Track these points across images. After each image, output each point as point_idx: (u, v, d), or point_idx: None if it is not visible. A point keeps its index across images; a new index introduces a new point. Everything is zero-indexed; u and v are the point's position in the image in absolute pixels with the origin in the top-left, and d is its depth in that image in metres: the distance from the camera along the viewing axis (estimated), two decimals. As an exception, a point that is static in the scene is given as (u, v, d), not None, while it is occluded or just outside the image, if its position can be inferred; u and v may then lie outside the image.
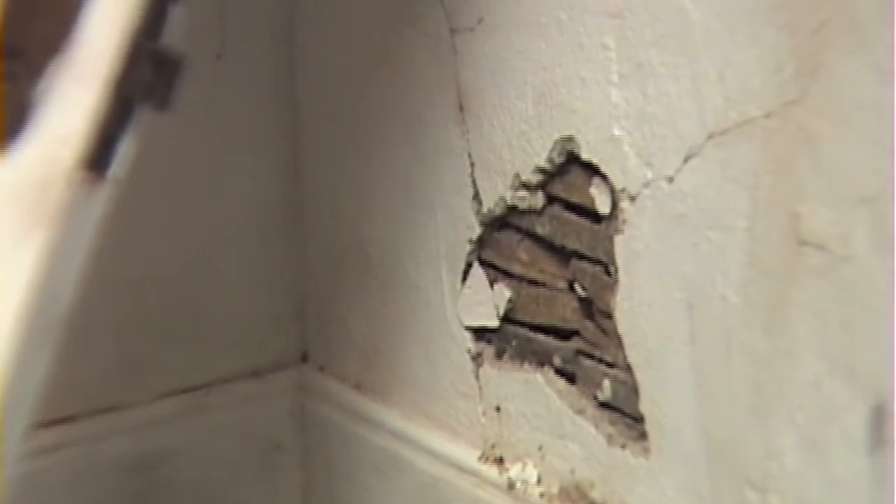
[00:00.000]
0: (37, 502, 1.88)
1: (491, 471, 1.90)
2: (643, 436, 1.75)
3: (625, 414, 1.77)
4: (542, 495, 1.85)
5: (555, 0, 1.74)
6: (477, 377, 1.91)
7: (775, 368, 1.63)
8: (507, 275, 1.85)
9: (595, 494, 1.81)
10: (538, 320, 1.84)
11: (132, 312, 1.98)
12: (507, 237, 1.84)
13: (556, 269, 1.80)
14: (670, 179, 1.68)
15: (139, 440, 2.02)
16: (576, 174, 1.76)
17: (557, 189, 1.78)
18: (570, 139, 1.75)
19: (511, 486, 1.88)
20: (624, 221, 1.72)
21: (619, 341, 1.75)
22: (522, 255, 1.84)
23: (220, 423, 2.07)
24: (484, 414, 1.91)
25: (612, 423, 1.78)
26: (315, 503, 2.11)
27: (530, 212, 1.81)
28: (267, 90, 2.02)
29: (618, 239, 1.73)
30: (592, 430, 1.80)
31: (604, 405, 1.79)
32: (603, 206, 1.74)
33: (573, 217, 1.77)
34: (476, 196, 1.85)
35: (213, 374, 2.07)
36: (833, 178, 1.56)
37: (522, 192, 1.81)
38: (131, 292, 1.96)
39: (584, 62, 1.73)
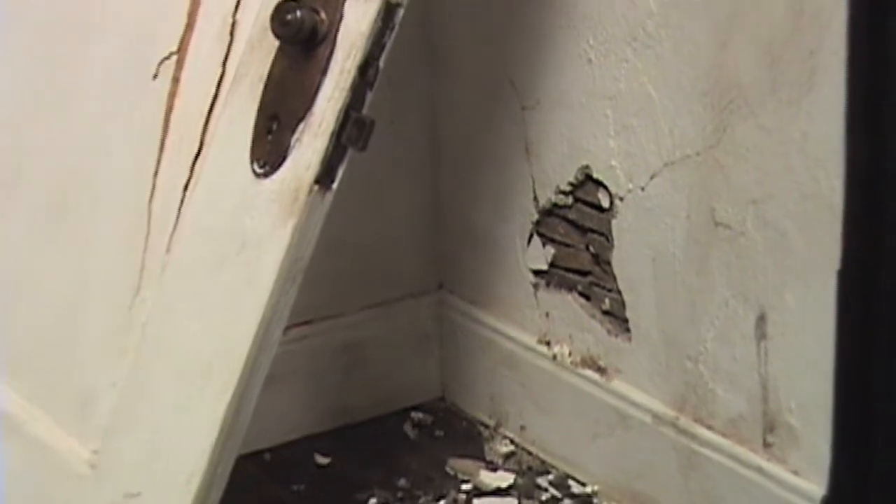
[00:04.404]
0: (289, 369, 1.89)
1: (543, 349, 1.88)
2: (628, 330, 1.74)
3: (617, 318, 1.76)
4: (571, 362, 1.83)
5: (578, 90, 1.72)
6: (536, 297, 1.88)
7: (701, 294, 1.63)
8: (552, 241, 1.83)
9: (601, 363, 1.80)
10: (569, 265, 1.82)
11: (344, 262, 1.95)
12: (552, 220, 1.82)
13: (578, 238, 1.79)
14: (643, 189, 1.67)
15: (347, 334, 2.00)
16: (590, 186, 1.74)
17: (580, 194, 1.76)
18: (587, 167, 1.74)
19: (554, 357, 1.86)
20: (617, 212, 1.71)
21: (614, 278, 1.74)
22: (560, 230, 1.81)
23: (394, 324, 2.03)
24: (539, 317, 1.89)
25: (610, 322, 1.77)
26: (447, 369, 2.07)
27: (565, 206, 1.79)
28: (420, 140, 1.98)
29: (613, 222, 1.72)
30: (599, 326, 1.79)
31: (605, 313, 1.77)
32: (605, 203, 1.73)
33: (588, 209, 1.76)
34: (535, 198, 1.83)
35: (390, 296, 2.03)
36: (734, 188, 1.56)
37: (560, 196, 1.79)
38: (344, 251, 1.93)
39: (594, 125, 1.71)
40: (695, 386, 1.67)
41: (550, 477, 1.86)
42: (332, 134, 1.32)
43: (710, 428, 1.66)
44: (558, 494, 1.82)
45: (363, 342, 2.01)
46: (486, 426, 1.99)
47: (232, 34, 1.41)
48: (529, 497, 1.82)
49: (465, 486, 1.84)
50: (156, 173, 1.45)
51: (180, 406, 1.38)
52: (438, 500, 1.82)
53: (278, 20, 1.31)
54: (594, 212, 1.75)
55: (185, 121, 1.44)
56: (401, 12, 1.32)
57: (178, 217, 1.42)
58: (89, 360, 1.48)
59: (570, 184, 1.77)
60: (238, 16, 1.41)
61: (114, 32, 1.52)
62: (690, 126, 1.59)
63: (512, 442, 1.94)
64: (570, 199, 1.78)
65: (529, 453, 1.91)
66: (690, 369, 1.67)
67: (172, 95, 1.45)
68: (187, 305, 1.39)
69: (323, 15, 1.32)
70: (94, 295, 1.49)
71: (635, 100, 1.65)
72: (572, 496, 1.81)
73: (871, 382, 1.46)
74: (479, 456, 1.92)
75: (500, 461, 1.90)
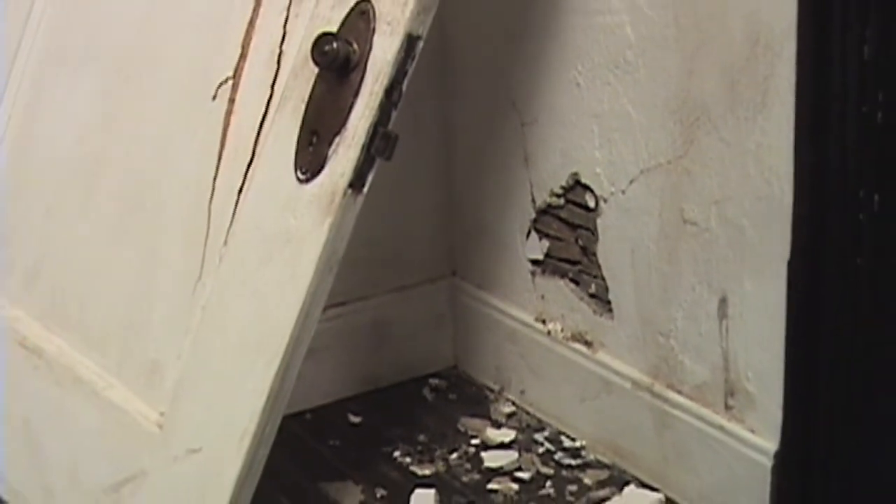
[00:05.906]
0: (326, 343, 1.89)
1: (539, 325, 1.87)
2: (610, 311, 1.73)
3: (602, 300, 1.74)
4: (563, 337, 1.82)
5: (569, 109, 1.70)
6: (533, 283, 1.87)
7: (672, 280, 1.62)
8: (547, 235, 1.82)
9: (588, 337, 1.78)
10: (561, 256, 1.80)
11: (373, 253, 1.94)
12: (547, 218, 1.81)
13: (569, 233, 1.77)
14: (623, 192, 1.66)
15: (375, 313, 1.99)
16: (579, 189, 1.73)
17: (570, 196, 1.75)
18: (576, 174, 1.72)
19: (549, 333, 1.85)
20: (601, 211, 1.70)
21: (599, 266, 1.73)
22: (554, 226, 1.80)
23: (414, 305, 2.02)
24: (536, 299, 1.87)
25: (596, 304, 1.76)
26: (458, 342, 2.05)
27: (558, 206, 1.78)
28: (436, 150, 1.97)
29: (598, 219, 1.71)
30: (586, 307, 1.77)
31: (592, 295, 1.76)
32: (591, 204, 1.71)
33: (577, 209, 1.74)
34: (533, 200, 1.82)
35: (410, 282, 2.01)
36: (699, 192, 1.55)
37: (554, 198, 1.78)
38: (372, 244, 1.92)
39: (583, 138, 1.70)
40: (666, 357, 1.66)
41: (545, 433, 1.85)
42: (363, 146, 1.31)
43: (679, 393, 1.65)
44: (552, 448, 1.81)
45: (388, 320, 2.00)
46: (492, 391, 1.98)
47: (279, 62, 1.41)
48: (528, 450, 1.81)
49: (474, 441, 1.84)
50: (214, 179, 1.44)
51: (234, 375, 1.37)
52: (451, 452, 1.81)
53: (318, 51, 1.32)
54: (582, 211, 1.74)
55: (239, 135, 1.43)
56: (420, 44, 1.32)
57: (233, 216, 1.41)
58: (158, 336, 1.48)
59: (562, 187, 1.76)
60: (284, 47, 1.41)
61: (179, 61, 1.52)
62: (663, 139, 1.58)
63: (513, 404, 1.93)
64: (562, 201, 1.77)
65: (528, 413, 1.91)
66: (663, 343, 1.66)
67: (229, 114, 1.45)
68: (241, 291, 1.39)
69: (355, 46, 1.32)
70: (161, 282, 1.48)
71: (617, 117, 1.64)
72: (564, 450, 1.81)
73: (816, 355, 1.45)
74: (485, 415, 1.91)
75: (503, 420, 1.90)
